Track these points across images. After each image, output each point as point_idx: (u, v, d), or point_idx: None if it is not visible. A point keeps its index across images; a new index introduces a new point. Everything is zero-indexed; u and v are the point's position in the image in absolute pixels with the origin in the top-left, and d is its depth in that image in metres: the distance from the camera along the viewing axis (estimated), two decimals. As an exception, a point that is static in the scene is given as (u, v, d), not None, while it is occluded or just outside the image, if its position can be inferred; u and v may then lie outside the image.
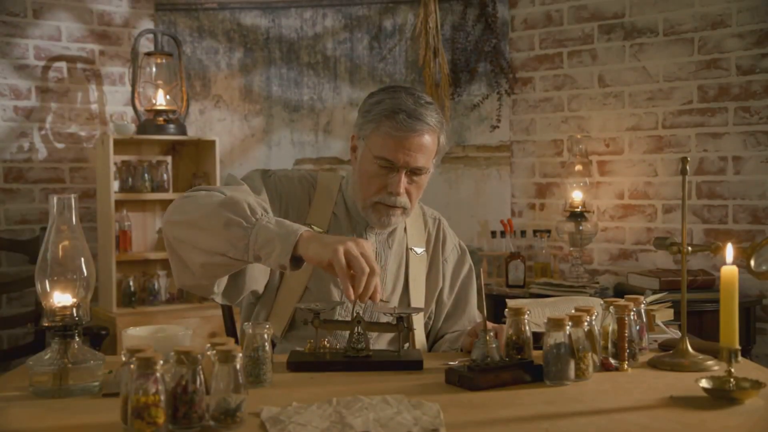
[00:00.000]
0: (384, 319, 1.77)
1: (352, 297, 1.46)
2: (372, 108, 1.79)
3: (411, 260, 1.92)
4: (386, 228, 1.87)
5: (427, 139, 1.77)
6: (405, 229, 1.94)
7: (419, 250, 1.95)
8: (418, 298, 1.92)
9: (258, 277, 1.77)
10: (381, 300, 1.52)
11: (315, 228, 1.79)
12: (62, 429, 1.18)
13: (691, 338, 1.59)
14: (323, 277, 1.81)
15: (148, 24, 4.04)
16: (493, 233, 3.88)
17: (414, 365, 1.53)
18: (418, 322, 1.90)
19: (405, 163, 1.75)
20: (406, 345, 1.84)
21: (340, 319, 1.78)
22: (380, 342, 1.85)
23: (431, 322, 1.98)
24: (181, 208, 1.64)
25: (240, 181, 1.79)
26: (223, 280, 1.69)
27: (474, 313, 1.99)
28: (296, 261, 1.51)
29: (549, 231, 3.81)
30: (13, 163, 3.75)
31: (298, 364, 1.52)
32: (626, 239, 3.77)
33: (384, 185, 1.78)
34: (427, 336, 1.97)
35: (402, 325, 1.58)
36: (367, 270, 1.46)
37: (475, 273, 2.03)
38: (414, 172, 1.78)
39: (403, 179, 1.77)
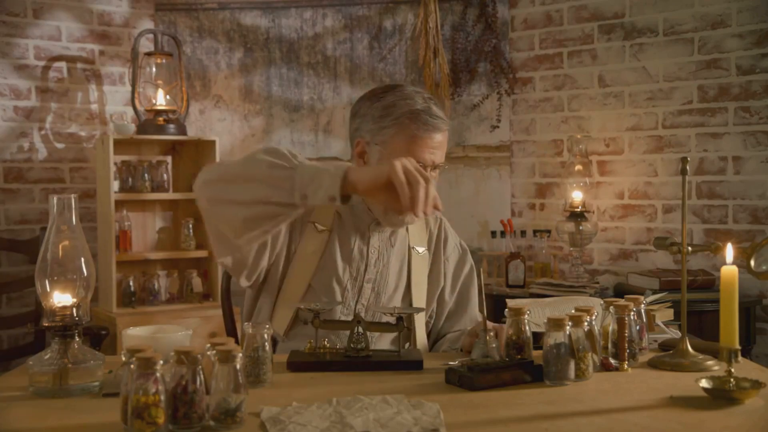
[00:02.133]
0: (384, 318, 1.77)
1: (419, 211, 1.48)
2: (387, 112, 1.77)
3: (413, 259, 1.92)
4: (401, 227, 1.87)
5: (445, 135, 1.81)
6: (407, 228, 1.93)
7: (421, 249, 1.94)
8: (419, 298, 1.91)
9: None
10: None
11: (318, 226, 1.80)
12: (62, 429, 1.18)
13: (691, 338, 1.59)
14: (326, 275, 1.81)
15: (148, 24, 4.04)
16: (493, 233, 3.88)
17: (414, 365, 1.53)
18: (420, 321, 1.90)
19: (431, 162, 1.78)
20: (407, 345, 1.84)
21: (342, 318, 1.78)
22: (382, 342, 1.85)
23: (432, 322, 1.98)
24: (214, 169, 1.65)
25: None
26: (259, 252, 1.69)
27: (475, 313, 1.99)
28: (344, 198, 1.53)
29: (549, 231, 3.81)
30: (13, 163, 3.75)
31: (298, 364, 1.52)
32: (626, 239, 3.77)
33: None
34: (428, 335, 1.97)
35: (402, 324, 1.58)
36: (423, 181, 1.49)
37: (475, 273, 2.03)
38: (434, 168, 1.81)
39: None
